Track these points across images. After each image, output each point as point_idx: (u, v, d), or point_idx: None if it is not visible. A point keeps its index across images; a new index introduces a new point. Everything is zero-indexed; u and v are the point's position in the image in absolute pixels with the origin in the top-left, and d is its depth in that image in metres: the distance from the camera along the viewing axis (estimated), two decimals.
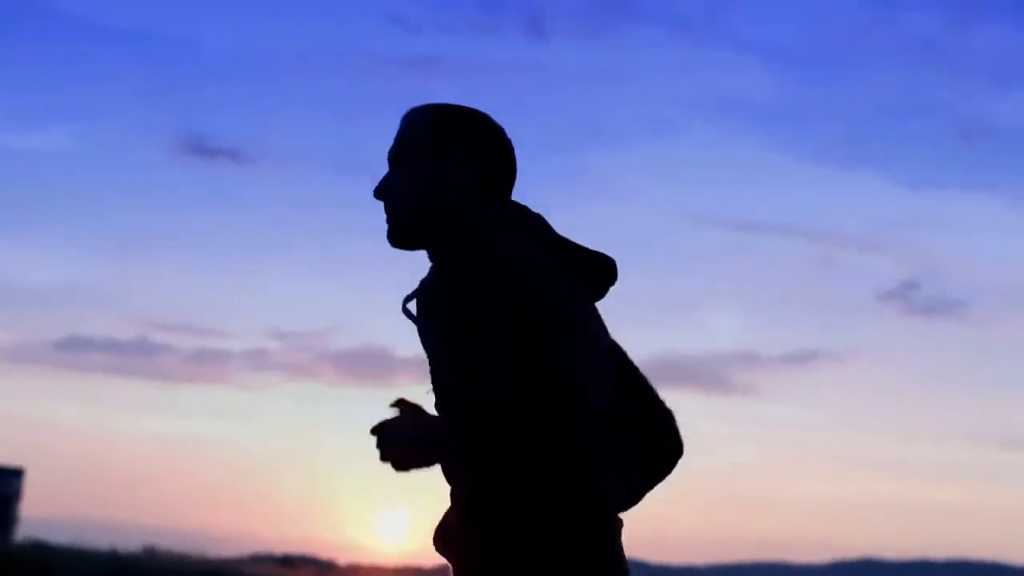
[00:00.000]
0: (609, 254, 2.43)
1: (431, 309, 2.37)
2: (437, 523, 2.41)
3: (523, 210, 2.46)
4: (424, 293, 2.42)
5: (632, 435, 2.40)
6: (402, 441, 2.26)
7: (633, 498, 2.44)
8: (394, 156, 2.50)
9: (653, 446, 2.44)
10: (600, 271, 2.43)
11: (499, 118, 2.54)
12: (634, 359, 2.48)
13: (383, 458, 2.27)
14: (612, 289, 2.45)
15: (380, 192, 2.50)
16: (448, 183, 2.45)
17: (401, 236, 2.48)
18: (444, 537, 2.40)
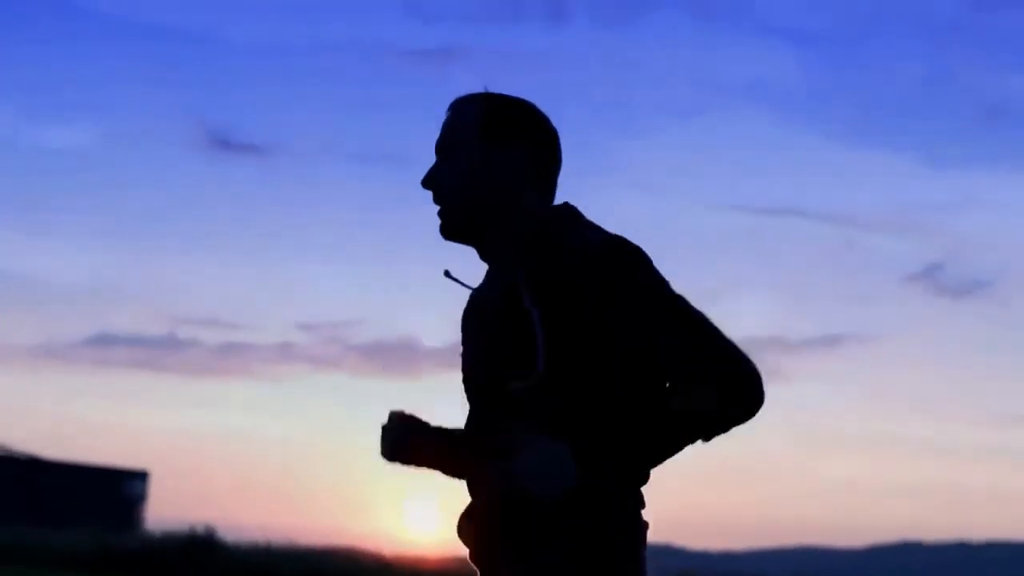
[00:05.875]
0: (635, 242, 2.39)
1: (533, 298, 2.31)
2: (461, 513, 2.43)
3: (568, 208, 2.44)
4: (518, 285, 2.34)
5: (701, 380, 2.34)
6: (427, 443, 2.33)
7: (702, 432, 2.35)
8: (442, 146, 2.47)
9: (723, 391, 2.36)
10: None
11: None
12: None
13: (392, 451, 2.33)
14: None
15: (428, 182, 2.46)
16: (500, 174, 2.42)
17: (455, 228, 2.45)
18: (466, 525, 2.41)
